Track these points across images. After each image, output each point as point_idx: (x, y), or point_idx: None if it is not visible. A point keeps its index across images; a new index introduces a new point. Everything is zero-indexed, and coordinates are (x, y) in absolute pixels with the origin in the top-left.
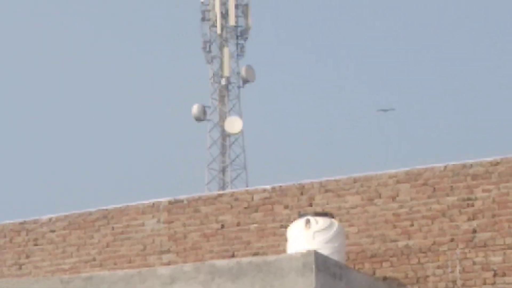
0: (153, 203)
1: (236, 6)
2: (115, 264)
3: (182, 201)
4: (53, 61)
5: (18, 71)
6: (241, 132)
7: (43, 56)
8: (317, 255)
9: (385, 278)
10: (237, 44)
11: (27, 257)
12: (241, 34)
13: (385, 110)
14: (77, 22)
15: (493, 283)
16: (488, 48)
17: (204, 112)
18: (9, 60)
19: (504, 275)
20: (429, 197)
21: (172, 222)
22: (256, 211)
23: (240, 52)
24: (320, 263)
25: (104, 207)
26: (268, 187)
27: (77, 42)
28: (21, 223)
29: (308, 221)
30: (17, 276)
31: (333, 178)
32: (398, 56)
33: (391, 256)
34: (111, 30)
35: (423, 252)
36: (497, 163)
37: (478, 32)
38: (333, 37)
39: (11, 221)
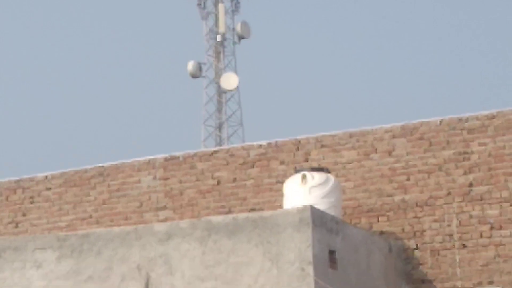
0: (149, 160)
1: None
2: (111, 221)
3: (178, 157)
4: (49, 26)
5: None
6: (237, 88)
7: (40, 24)
8: (313, 210)
9: (381, 233)
10: (231, 0)
11: (24, 215)
12: None
13: None
14: None
15: (490, 236)
16: (486, 3)
17: (200, 69)
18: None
19: (500, 228)
20: (425, 151)
21: (168, 178)
22: (252, 167)
23: (235, 8)
24: (317, 218)
25: (100, 165)
26: (264, 143)
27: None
28: (16, 181)
29: (304, 177)
30: (13, 234)
31: (329, 133)
32: (394, 14)
33: (387, 211)
34: None
35: (420, 206)
36: (493, 117)
37: None
38: None
39: (7, 179)
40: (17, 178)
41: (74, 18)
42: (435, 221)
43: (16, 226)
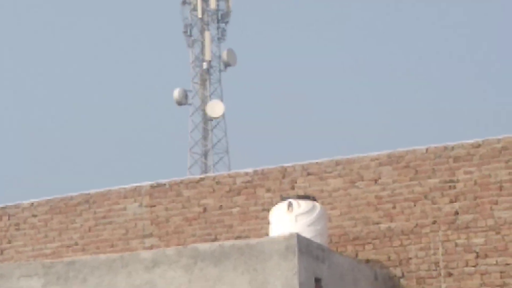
0: (135, 187)
1: None
2: (97, 248)
3: (164, 185)
4: (41, 49)
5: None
6: (223, 116)
7: (38, 48)
8: (299, 238)
9: (367, 261)
10: (218, 27)
11: (9, 242)
12: (222, 17)
13: None
14: (58, 5)
15: (475, 265)
16: (473, 30)
17: (186, 96)
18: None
19: (486, 256)
20: (411, 179)
21: (154, 206)
22: (238, 194)
23: (221, 35)
24: (303, 246)
25: (86, 192)
26: (250, 170)
27: (57, 25)
28: (2, 208)
29: (290, 204)
30: None
31: (315, 161)
32: (385, 46)
33: (373, 239)
34: (91, 13)
35: (406, 235)
36: (478, 145)
37: (465, 15)
38: (314, 20)
39: None
40: (3, 205)
41: (64, 45)
42: (421, 249)
43: (1, 253)
